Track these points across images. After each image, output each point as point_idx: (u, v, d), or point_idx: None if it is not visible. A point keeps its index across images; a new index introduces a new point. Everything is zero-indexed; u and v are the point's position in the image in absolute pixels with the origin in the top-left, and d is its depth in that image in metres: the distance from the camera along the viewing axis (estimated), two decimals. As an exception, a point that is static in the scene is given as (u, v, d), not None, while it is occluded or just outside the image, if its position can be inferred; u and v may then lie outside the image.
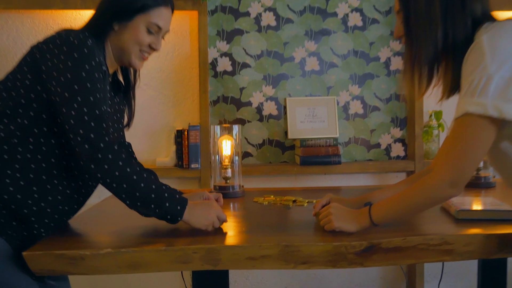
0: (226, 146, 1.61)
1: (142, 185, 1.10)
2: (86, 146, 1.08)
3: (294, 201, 1.45)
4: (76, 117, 1.08)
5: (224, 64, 2.29)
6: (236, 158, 1.61)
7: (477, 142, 1.02)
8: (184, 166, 2.19)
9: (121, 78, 1.37)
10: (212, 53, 2.28)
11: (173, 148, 2.23)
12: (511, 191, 1.24)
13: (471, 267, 2.40)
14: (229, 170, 1.60)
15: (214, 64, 2.29)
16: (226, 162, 1.60)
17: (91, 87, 1.10)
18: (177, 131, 2.20)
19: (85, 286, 2.28)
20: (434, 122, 2.32)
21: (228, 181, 1.59)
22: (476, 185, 1.73)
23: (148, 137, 2.29)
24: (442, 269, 1.81)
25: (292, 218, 1.34)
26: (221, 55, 2.29)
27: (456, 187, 1.04)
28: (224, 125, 1.59)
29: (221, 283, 1.22)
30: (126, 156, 1.11)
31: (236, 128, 1.60)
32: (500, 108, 0.97)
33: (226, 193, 1.55)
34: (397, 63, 2.36)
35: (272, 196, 1.53)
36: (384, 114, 2.37)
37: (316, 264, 1.09)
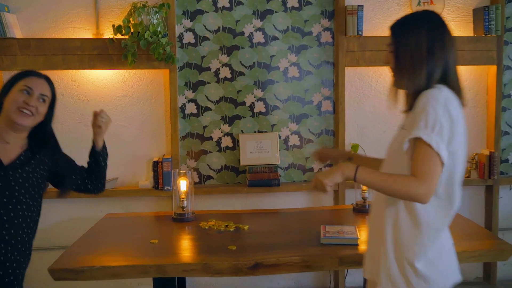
0: (182, 185, 2.28)
1: None
2: None
3: (226, 226, 2.13)
4: None
5: (191, 108, 2.95)
6: (190, 191, 2.28)
7: None
8: (160, 188, 2.86)
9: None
10: (181, 100, 2.94)
11: (151, 174, 2.90)
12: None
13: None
14: (185, 202, 2.27)
15: (183, 108, 2.94)
16: (183, 195, 2.27)
17: None
18: (154, 161, 2.87)
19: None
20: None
21: (184, 209, 2.27)
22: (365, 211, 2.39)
23: (132, 165, 2.96)
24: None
25: (216, 240, 2.01)
26: (188, 101, 2.95)
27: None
28: (181, 171, 2.26)
29: (170, 283, 1.91)
30: None
31: (189, 172, 2.27)
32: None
33: (182, 218, 2.24)
34: (326, 106, 3.02)
35: (213, 221, 2.21)
36: (316, 146, 3.04)
37: (225, 274, 1.78)
